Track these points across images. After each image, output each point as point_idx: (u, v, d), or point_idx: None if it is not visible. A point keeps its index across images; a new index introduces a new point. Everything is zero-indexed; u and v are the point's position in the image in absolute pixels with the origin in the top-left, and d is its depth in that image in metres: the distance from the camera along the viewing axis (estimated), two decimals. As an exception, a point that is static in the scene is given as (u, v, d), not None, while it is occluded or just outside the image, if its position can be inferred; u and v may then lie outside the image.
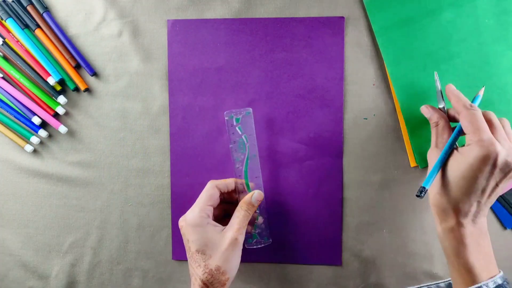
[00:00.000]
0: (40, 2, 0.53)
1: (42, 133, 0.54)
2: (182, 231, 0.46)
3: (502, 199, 0.50)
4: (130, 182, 0.54)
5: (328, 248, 0.52)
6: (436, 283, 0.50)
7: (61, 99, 0.53)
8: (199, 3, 0.53)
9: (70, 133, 0.55)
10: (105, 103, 0.54)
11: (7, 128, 0.55)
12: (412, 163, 0.52)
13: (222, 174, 0.52)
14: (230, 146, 0.49)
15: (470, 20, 0.50)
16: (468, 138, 0.41)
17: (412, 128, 0.51)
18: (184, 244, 0.47)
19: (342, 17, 0.51)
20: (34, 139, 0.54)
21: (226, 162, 0.52)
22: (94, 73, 0.54)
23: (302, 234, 0.52)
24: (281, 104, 0.51)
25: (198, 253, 0.45)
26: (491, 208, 0.51)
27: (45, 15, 0.53)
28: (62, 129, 0.54)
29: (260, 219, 0.50)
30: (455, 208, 0.41)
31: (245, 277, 0.53)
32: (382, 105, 0.52)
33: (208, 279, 0.44)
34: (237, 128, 0.49)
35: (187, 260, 0.53)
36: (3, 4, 0.53)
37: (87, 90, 0.54)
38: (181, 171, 0.53)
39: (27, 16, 0.53)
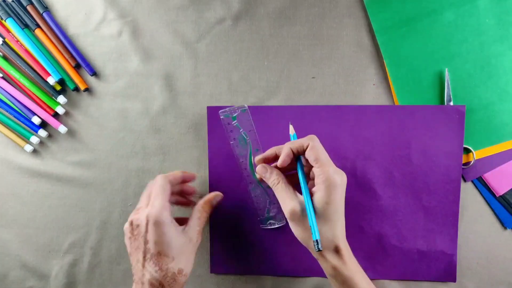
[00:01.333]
0: (40, 2, 0.53)
1: (42, 133, 0.54)
2: (138, 229, 0.42)
3: (502, 199, 0.50)
4: (130, 182, 0.54)
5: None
6: None
7: (61, 99, 0.53)
8: (199, 3, 0.53)
9: (70, 133, 0.55)
10: (105, 103, 0.54)
11: (7, 128, 0.55)
12: (412, 163, 0.51)
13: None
14: (231, 143, 0.50)
15: (471, 20, 0.50)
16: (317, 170, 0.42)
17: (412, 128, 0.51)
18: (136, 243, 0.42)
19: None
20: (34, 139, 0.54)
21: None
22: (94, 73, 0.54)
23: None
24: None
25: (160, 255, 0.41)
26: (491, 208, 0.51)
27: (45, 15, 0.53)
28: (62, 129, 0.54)
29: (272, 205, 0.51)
30: (336, 245, 0.41)
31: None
32: (382, 105, 0.52)
33: (170, 282, 0.41)
34: (234, 125, 0.50)
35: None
36: (3, 4, 0.53)
37: (87, 90, 0.54)
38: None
39: (27, 16, 0.53)
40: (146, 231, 0.41)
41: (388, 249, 0.50)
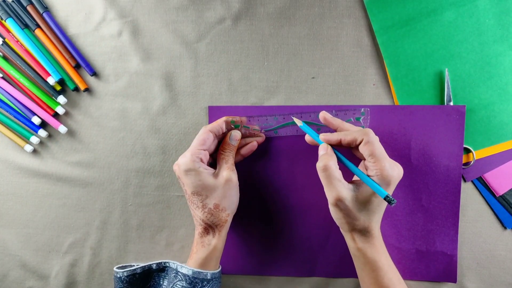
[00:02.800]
0: (40, 2, 0.53)
1: (42, 133, 0.54)
2: (177, 176, 0.47)
3: (502, 199, 0.50)
4: (130, 182, 0.54)
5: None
6: None
7: (61, 99, 0.53)
8: (199, 3, 0.53)
9: (70, 133, 0.55)
10: (105, 103, 0.54)
11: (7, 128, 0.55)
12: (412, 163, 0.52)
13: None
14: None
15: (471, 20, 0.50)
16: (371, 165, 0.42)
17: (412, 128, 0.51)
18: (182, 188, 0.48)
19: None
20: (34, 139, 0.54)
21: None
22: (94, 73, 0.54)
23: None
24: None
25: (194, 195, 0.46)
26: (491, 208, 0.51)
27: (45, 15, 0.53)
28: (62, 129, 0.54)
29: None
30: (370, 227, 0.44)
31: None
32: (382, 105, 0.52)
33: (209, 218, 0.46)
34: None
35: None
36: (3, 4, 0.53)
37: (87, 90, 0.54)
38: None
39: (27, 16, 0.53)
40: (179, 177, 0.47)
41: (387, 249, 0.50)
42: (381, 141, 0.50)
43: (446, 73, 0.50)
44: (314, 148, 0.47)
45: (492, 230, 0.51)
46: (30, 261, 0.56)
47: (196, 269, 0.45)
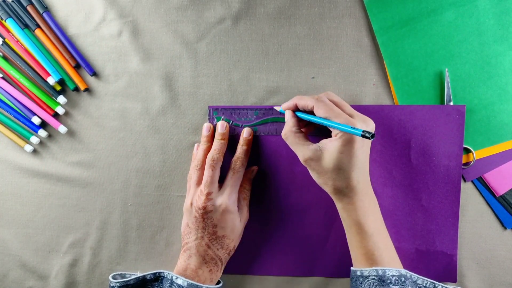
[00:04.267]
0: (40, 2, 0.53)
1: (42, 133, 0.54)
2: (210, 215, 0.46)
3: (502, 199, 0.50)
4: (130, 182, 0.54)
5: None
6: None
7: (61, 99, 0.53)
8: (199, 3, 0.53)
9: (70, 133, 0.55)
10: (105, 103, 0.54)
11: (7, 128, 0.55)
12: (412, 163, 0.52)
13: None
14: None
15: (471, 20, 0.50)
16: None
17: (412, 128, 0.51)
18: (202, 224, 0.46)
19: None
20: (34, 139, 0.54)
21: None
22: (94, 73, 0.54)
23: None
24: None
25: (224, 237, 0.47)
26: (491, 208, 0.51)
27: (45, 15, 0.53)
28: (62, 129, 0.54)
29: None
30: (351, 186, 0.43)
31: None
32: (382, 105, 0.52)
33: (226, 258, 0.48)
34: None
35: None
36: (3, 4, 0.53)
37: (87, 90, 0.54)
38: None
39: (27, 16, 0.53)
40: (219, 219, 0.46)
41: None
42: (381, 141, 0.50)
43: (446, 73, 0.50)
44: None
45: (492, 230, 0.51)
46: (30, 261, 0.56)
47: (191, 281, 0.45)
